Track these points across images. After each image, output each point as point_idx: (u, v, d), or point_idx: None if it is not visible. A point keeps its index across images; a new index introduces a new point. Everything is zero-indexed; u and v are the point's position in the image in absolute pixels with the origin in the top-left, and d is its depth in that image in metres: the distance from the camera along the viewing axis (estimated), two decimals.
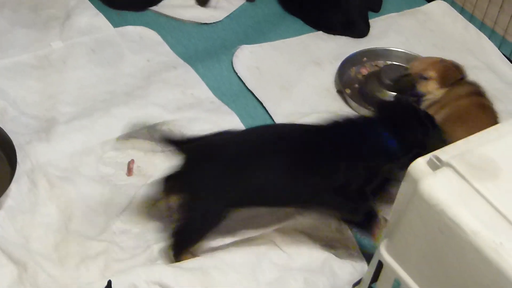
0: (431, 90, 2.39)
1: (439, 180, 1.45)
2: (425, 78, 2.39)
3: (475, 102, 2.37)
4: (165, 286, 1.95)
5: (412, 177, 1.50)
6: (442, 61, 2.45)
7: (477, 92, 2.41)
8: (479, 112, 2.34)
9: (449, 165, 1.46)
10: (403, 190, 1.55)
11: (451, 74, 2.41)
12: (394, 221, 1.58)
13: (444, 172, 1.46)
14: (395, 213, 1.58)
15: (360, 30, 2.94)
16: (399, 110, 2.05)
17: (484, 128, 1.67)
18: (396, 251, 1.58)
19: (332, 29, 2.95)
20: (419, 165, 1.50)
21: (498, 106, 2.50)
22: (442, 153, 1.50)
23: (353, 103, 2.60)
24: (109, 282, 1.94)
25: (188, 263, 2.01)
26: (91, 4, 2.90)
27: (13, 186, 2.14)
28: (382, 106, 2.16)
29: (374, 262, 1.65)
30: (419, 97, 2.41)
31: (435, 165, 1.48)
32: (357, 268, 2.03)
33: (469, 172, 1.46)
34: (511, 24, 2.98)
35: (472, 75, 2.64)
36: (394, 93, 2.59)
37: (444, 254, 1.45)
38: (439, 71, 2.40)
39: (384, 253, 1.60)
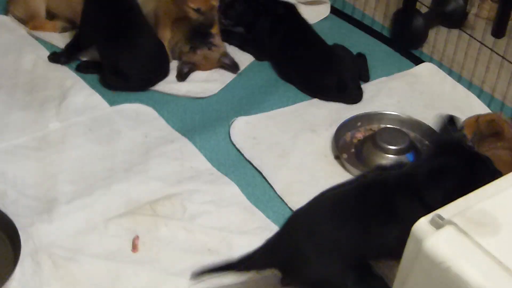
0: None
1: (443, 238, 1.46)
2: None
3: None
4: None
5: (416, 237, 1.50)
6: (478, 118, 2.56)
7: None
8: None
9: (451, 222, 1.47)
10: (408, 251, 1.55)
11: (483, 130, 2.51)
12: (400, 282, 1.58)
13: (447, 230, 1.47)
14: (401, 274, 1.58)
15: (353, 93, 2.99)
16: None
17: None
18: None
19: (326, 92, 3.00)
20: (422, 224, 1.50)
21: None
22: (444, 211, 1.51)
23: (350, 168, 2.63)
24: None
25: None
26: (86, 84, 2.94)
27: (17, 269, 2.13)
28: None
29: None
30: None
31: (438, 224, 1.49)
32: None
33: (471, 228, 1.46)
34: (498, 82, 3.05)
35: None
36: (391, 156, 2.65)
37: None
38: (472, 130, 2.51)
39: None
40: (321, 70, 3.02)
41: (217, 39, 3.09)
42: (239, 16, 3.20)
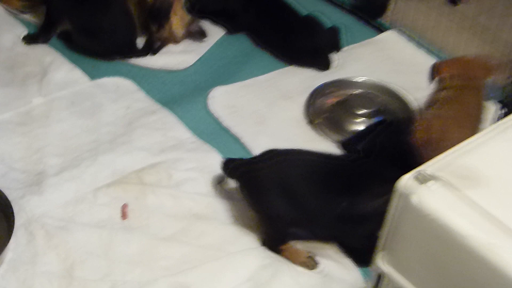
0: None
1: (429, 192, 1.49)
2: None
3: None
4: None
5: (402, 192, 1.53)
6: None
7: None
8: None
9: (435, 177, 1.51)
10: (394, 206, 1.58)
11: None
12: (389, 235, 1.61)
13: (432, 184, 1.50)
14: (389, 227, 1.61)
15: (325, 59, 3.04)
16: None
17: None
18: (395, 261, 1.61)
19: (301, 59, 3.04)
20: (407, 180, 1.53)
21: None
22: (427, 167, 1.55)
23: (324, 132, 2.69)
24: None
25: None
26: (66, 59, 2.93)
27: (11, 240, 2.14)
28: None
29: (373, 275, 1.68)
30: None
31: (422, 179, 1.52)
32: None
33: (454, 181, 1.51)
34: (456, 47, 3.07)
35: (426, 94, 2.71)
36: (361, 119, 2.70)
37: (440, 259, 1.49)
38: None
39: (382, 265, 1.63)
40: (297, 38, 3.05)
41: (179, 11, 3.06)
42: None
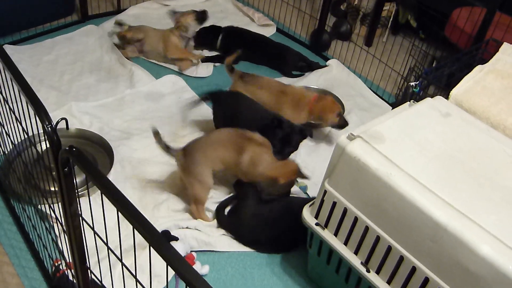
0: None
1: (355, 145, 1.58)
2: None
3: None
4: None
5: (340, 145, 1.61)
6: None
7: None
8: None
9: (359, 137, 1.60)
10: (334, 153, 1.64)
11: None
12: (331, 168, 1.66)
13: (357, 141, 1.59)
14: (331, 164, 1.66)
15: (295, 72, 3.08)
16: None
17: None
18: (334, 183, 1.65)
19: (284, 70, 3.05)
20: (343, 139, 1.61)
21: (366, 116, 2.66)
22: (354, 131, 1.63)
23: None
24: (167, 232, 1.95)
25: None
26: (141, 67, 2.90)
27: (112, 170, 2.21)
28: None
29: (321, 191, 1.72)
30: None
31: (351, 138, 1.60)
32: None
33: (370, 139, 1.59)
34: (371, 71, 3.17)
35: (352, 100, 2.80)
36: None
37: (360, 182, 1.55)
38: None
39: (327, 186, 1.68)
40: (280, 58, 3.08)
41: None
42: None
